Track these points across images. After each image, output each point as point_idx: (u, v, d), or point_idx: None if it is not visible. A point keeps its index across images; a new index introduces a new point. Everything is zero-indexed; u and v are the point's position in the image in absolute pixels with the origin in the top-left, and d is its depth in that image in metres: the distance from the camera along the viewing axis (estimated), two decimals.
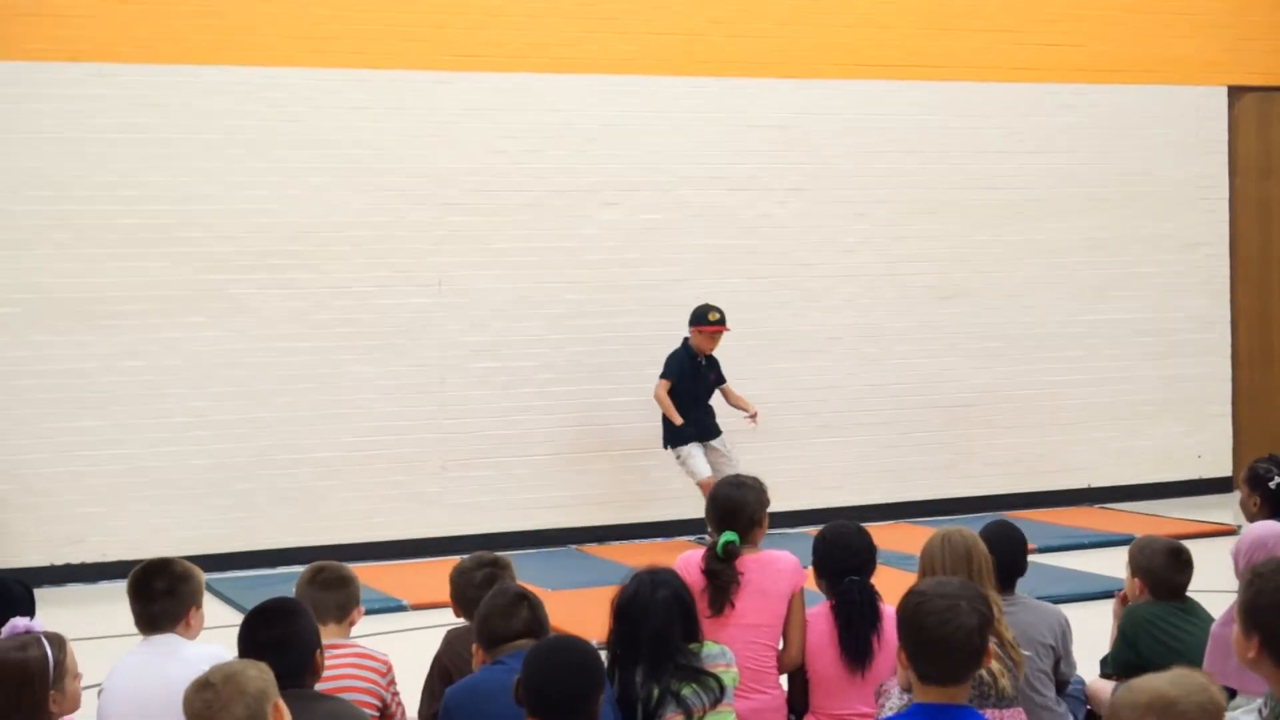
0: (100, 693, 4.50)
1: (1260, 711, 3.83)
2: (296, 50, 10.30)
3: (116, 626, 6.31)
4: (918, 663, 3.47)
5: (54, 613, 7.19)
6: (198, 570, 4.72)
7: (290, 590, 4.88)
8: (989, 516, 7.20)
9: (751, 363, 11.14)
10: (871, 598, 5.03)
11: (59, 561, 9.86)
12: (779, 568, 5.21)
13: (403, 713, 4.81)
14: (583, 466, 10.91)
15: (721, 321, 10.37)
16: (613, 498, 10.96)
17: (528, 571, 7.51)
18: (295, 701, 3.76)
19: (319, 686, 4.12)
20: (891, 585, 4.89)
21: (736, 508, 5.27)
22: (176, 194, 10.05)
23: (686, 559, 5.24)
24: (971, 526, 5.00)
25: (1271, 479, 6.18)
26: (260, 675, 3.39)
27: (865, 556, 5.13)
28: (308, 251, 10.32)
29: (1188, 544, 5.63)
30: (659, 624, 4.34)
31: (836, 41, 11.48)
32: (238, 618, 4.12)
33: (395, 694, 4.76)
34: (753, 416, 10.49)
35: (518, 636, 4.16)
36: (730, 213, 11.23)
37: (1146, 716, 2.91)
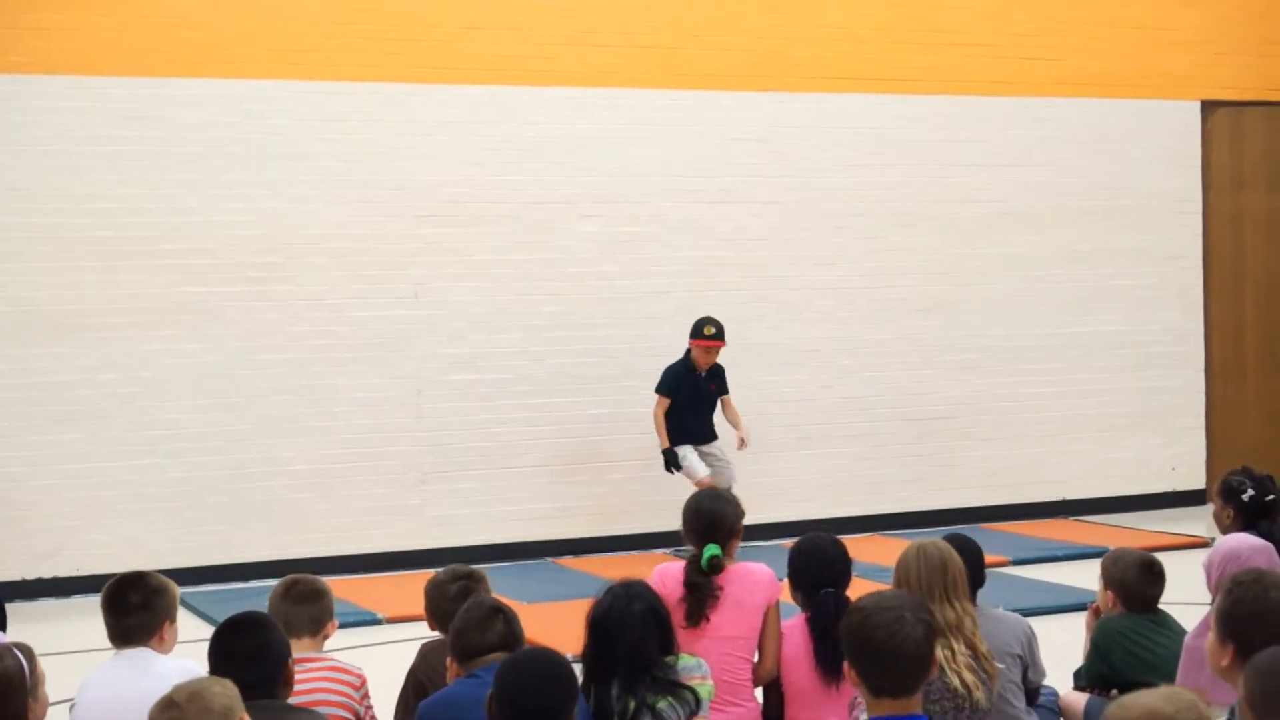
0: (72, 707, 4.49)
1: None
2: (275, 63, 10.30)
3: (91, 641, 6.29)
4: (870, 678, 3.50)
5: (28, 627, 7.18)
6: (172, 584, 4.71)
7: (265, 605, 4.87)
8: (965, 529, 7.23)
9: (728, 375, 11.16)
10: (847, 610, 5.04)
11: (33, 575, 9.82)
12: (755, 580, 5.22)
13: None
14: (560, 479, 10.91)
15: (717, 336, 10.32)
16: (590, 511, 10.96)
17: (503, 585, 7.51)
18: (267, 713, 3.77)
19: (294, 700, 4.12)
20: None
21: (717, 520, 5.28)
22: (154, 206, 10.03)
23: (664, 571, 5.25)
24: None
25: (1244, 491, 6.20)
26: (225, 692, 3.40)
27: (841, 568, 5.15)
28: (285, 264, 10.31)
29: (1161, 556, 5.66)
30: (635, 638, 4.34)
31: (814, 55, 11.52)
32: (210, 632, 4.12)
33: (369, 707, 4.75)
34: (741, 442, 10.47)
35: (492, 650, 4.16)
36: (708, 225, 11.26)
37: None
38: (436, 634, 4.98)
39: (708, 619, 5.09)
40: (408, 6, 10.60)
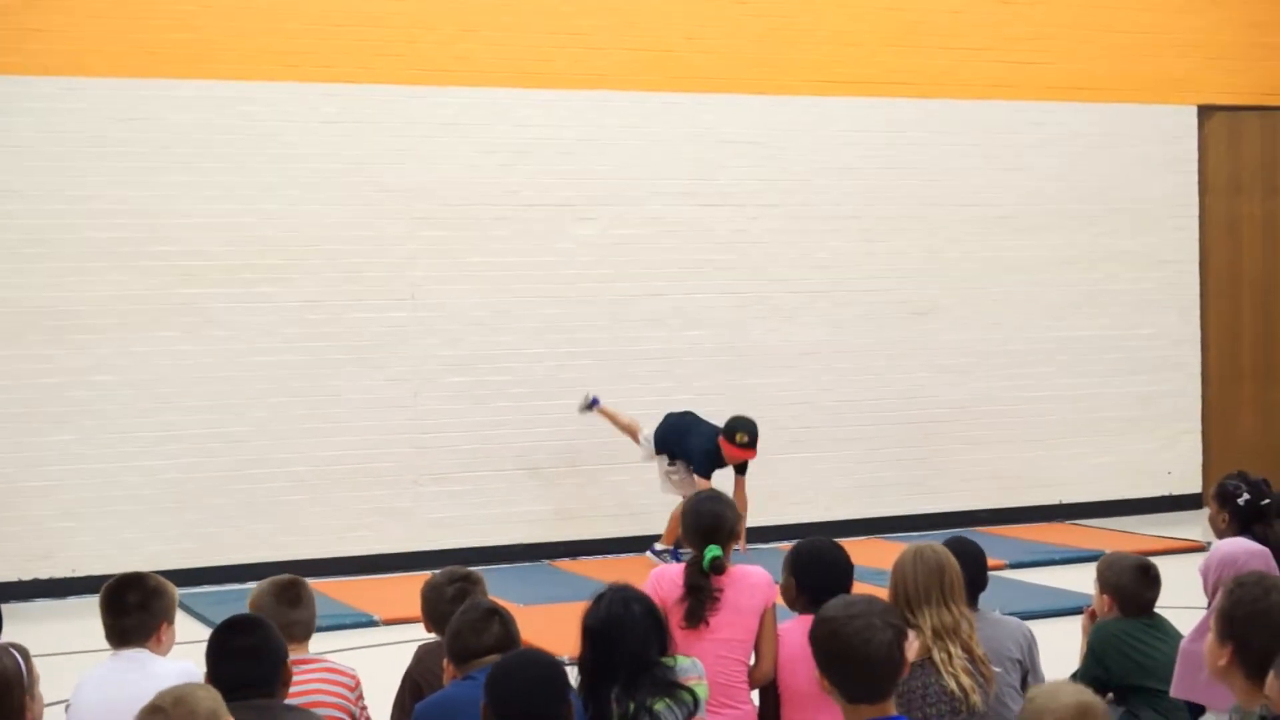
0: (68, 707, 4.48)
1: None
2: (269, 64, 10.29)
3: (86, 642, 6.29)
4: (845, 685, 3.52)
5: (23, 628, 7.15)
6: (171, 586, 4.70)
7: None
8: (961, 532, 7.23)
9: (724, 378, 11.17)
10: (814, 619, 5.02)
11: (28, 577, 9.81)
12: (752, 583, 5.21)
13: None
14: (556, 481, 10.91)
15: (749, 446, 9.86)
16: (586, 513, 10.96)
17: (500, 587, 7.51)
18: (267, 713, 3.78)
19: (289, 702, 4.12)
20: None
21: (718, 522, 5.27)
22: (148, 208, 10.02)
23: (661, 573, 5.24)
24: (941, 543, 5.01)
25: (1240, 495, 6.21)
26: (210, 696, 3.41)
27: (846, 572, 5.13)
28: (280, 265, 10.31)
29: (1157, 560, 5.66)
30: (637, 641, 4.32)
31: (809, 58, 11.52)
32: (207, 634, 4.11)
33: (364, 708, 4.75)
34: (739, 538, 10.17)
35: (489, 652, 4.15)
36: (703, 228, 11.26)
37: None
38: (433, 636, 4.97)
39: (706, 622, 5.08)
40: (403, 9, 10.60)
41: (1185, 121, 12.60)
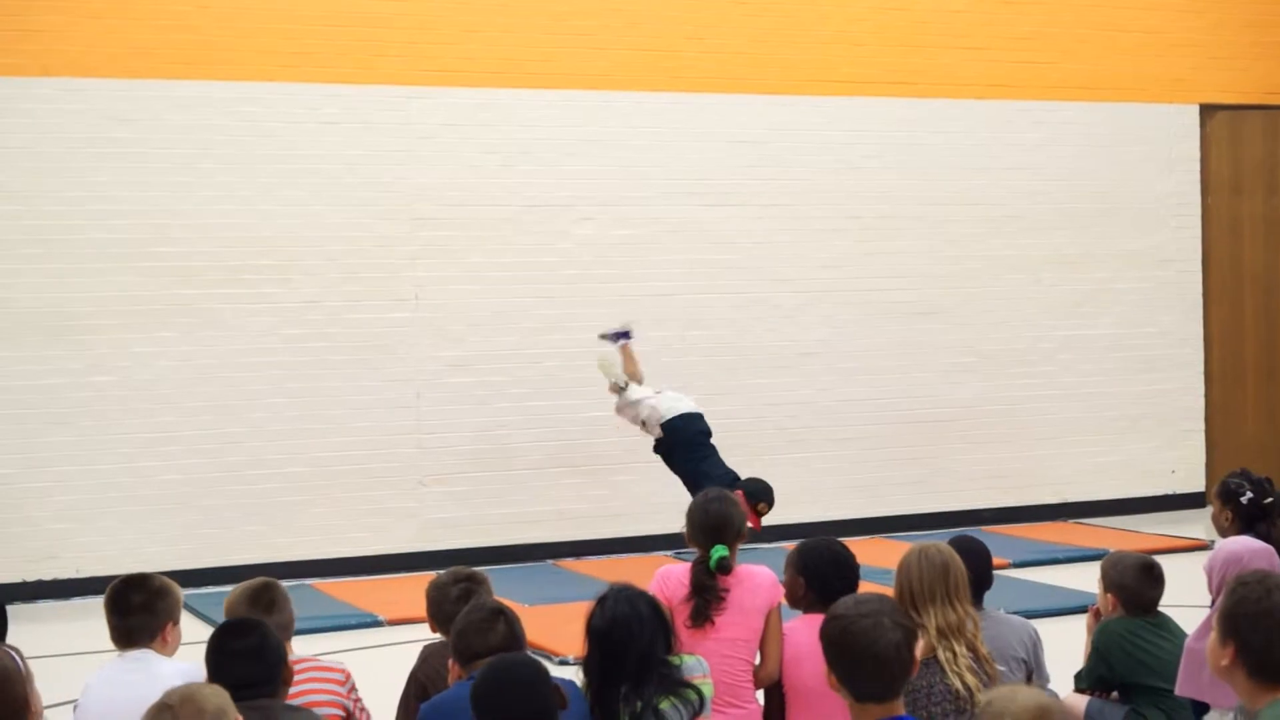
0: (75, 708, 4.48)
1: None
2: (269, 65, 10.29)
3: (90, 643, 6.28)
4: (854, 684, 3.53)
5: (27, 629, 7.16)
6: (176, 587, 4.70)
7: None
8: (964, 531, 7.23)
9: (725, 378, 11.16)
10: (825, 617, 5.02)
11: (31, 578, 9.80)
12: (757, 583, 5.21)
13: (368, 719, 4.80)
14: (559, 481, 10.90)
15: (762, 514, 9.55)
16: (590, 513, 10.95)
17: (505, 587, 7.50)
18: (269, 713, 3.78)
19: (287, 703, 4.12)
20: None
21: (724, 521, 5.27)
22: (148, 208, 10.02)
23: (666, 573, 5.24)
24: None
25: (1243, 494, 6.19)
26: (216, 694, 3.42)
27: (851, 568, 5.12)
28: (280, 266, 10.30)
29: (1161, 559, 5.65)
30: (645, 641, 4.31)
31: (812, 58, 11.52)
32: (209, 634, 4.12)
33: (357, 700, 4.76)
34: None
35: (494, 652, 4.14)
36: (705, 228, 11.25)
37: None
38: (438, 636, 4.97)
39: (712, 621, 5.08)
40: (404, 10, 10.59)
41: (1187, 121, 12.59)
